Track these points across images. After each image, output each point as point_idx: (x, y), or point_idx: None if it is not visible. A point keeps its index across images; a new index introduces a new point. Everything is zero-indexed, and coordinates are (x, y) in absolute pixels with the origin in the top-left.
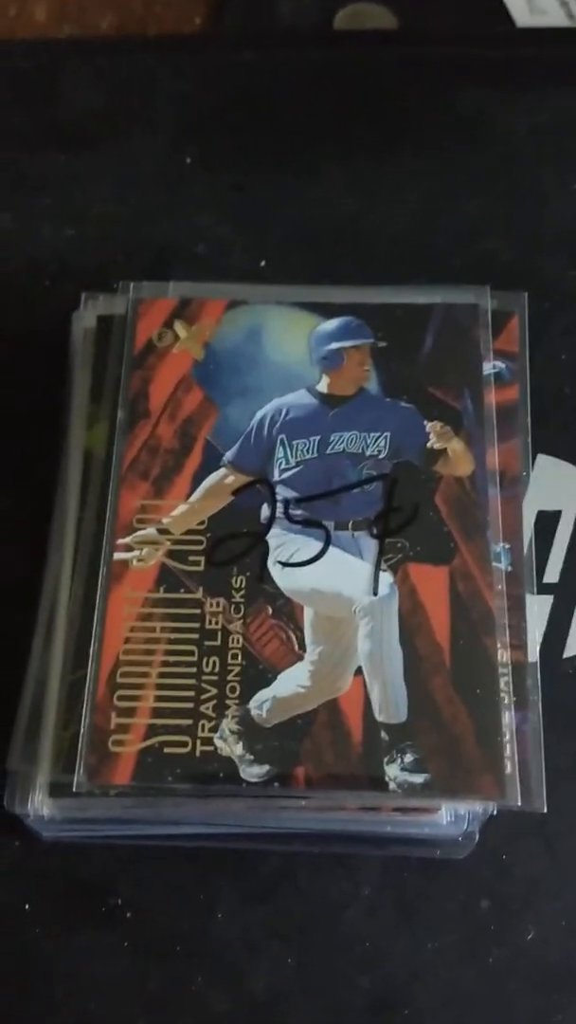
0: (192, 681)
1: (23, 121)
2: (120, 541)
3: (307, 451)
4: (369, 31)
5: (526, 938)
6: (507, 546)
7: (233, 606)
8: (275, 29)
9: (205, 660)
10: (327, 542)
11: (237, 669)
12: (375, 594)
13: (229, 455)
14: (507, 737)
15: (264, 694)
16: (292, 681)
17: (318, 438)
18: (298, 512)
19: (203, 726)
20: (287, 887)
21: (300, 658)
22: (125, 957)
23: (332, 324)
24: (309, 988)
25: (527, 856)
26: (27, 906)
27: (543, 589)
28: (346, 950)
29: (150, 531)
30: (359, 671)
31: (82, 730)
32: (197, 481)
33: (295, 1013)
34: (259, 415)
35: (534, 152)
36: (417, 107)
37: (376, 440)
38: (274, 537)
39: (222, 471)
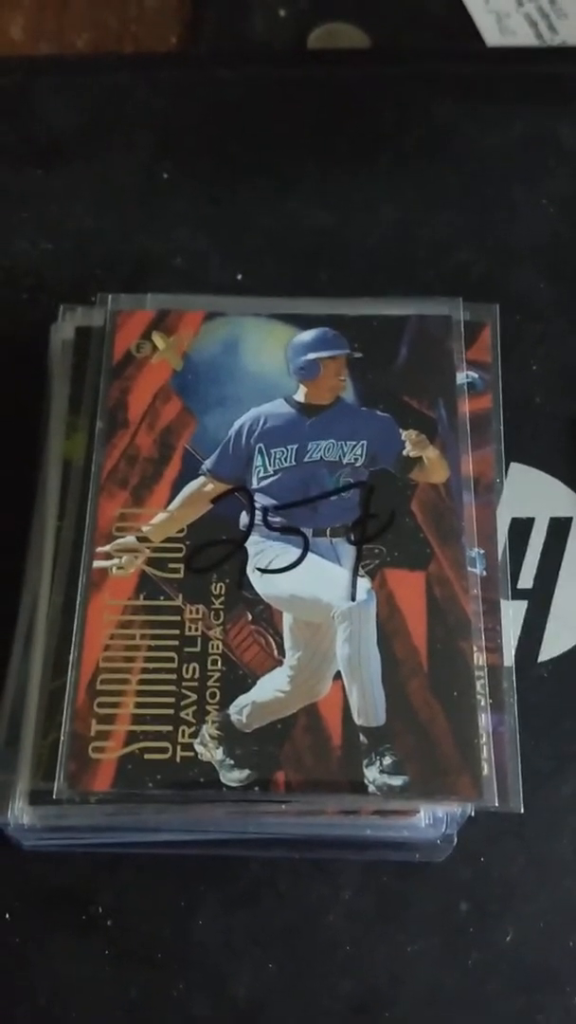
0: (172, 687)
1: (0, 137)
2: (99, 549)
3: (285, 459)
4: (343, 49)
5: (505, 939)
6: (482, 551)
7: (212, 612)
8: (250, 47)
9: (185, 666)
10: (305, 549)
11: (217, 675)
12: (353, 599)
13: (208, 464)
14: (484, 739)
15: (244, 699)
16: (271, 686)
17: (296, 446)
18: (276, 519)
19: (183, 732)
20: (268, 893)
21: (279, 663)
22: (107, 965)
23: (309, 335)
24: (291, 993)
25: (505, 858)
26: (7, 915)
27: (518, 595)
28: (327, 954)
29: (129, 539)
30: (338, 676)
31: (62, 737)
32: (176, 489)
33: (277, 1018)
34: (237, 424)
35: (505, 166)
36: (390, 123)
37: (353, 448)
38: (253, 544)
39: (201, 479)
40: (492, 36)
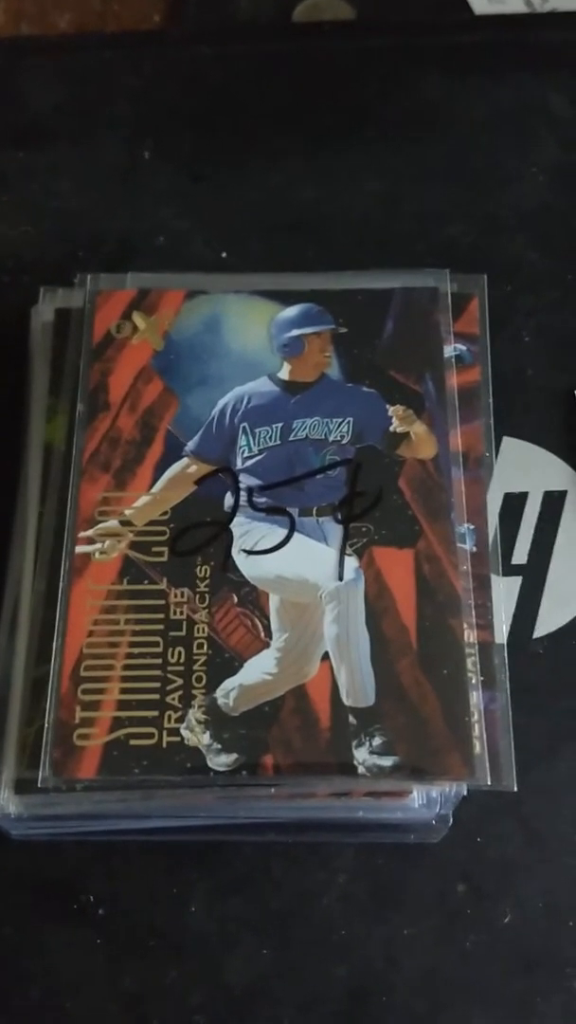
0: (157, 672)
1: None
2: (82, 534)
3: (269, 438)
4: (328, 22)
5: (503, 921)
6: (472, 527)
7: (198, 596)
8: (233, 24)
9: (170, 651)
10: (292, 529)
11: (203, 659)
12: (341, 579)
13: (191, 445)
14: (475, 717)
15: (230, 683)
16: (259, 669)
17: (280, 425)
18: (262, 500)
19: (169, 717)
20: (261, 878)
21: (266, 645)
22: (99, 953)
23: (292, 311)
24: (286, 978)
25: (501, 839)
26: None
27: (511, 571)
28: (322, 939)
29: (112, 523)
30: (326, 656)
31: (46, 725)
32: (159, 472)
33: (272, 1004)
34: (220, 404)
35: (494, 136)
36: (376, 95)
37: (339, 425)
38: (238, 525)
39: (184, 461)
40: (480, 4)
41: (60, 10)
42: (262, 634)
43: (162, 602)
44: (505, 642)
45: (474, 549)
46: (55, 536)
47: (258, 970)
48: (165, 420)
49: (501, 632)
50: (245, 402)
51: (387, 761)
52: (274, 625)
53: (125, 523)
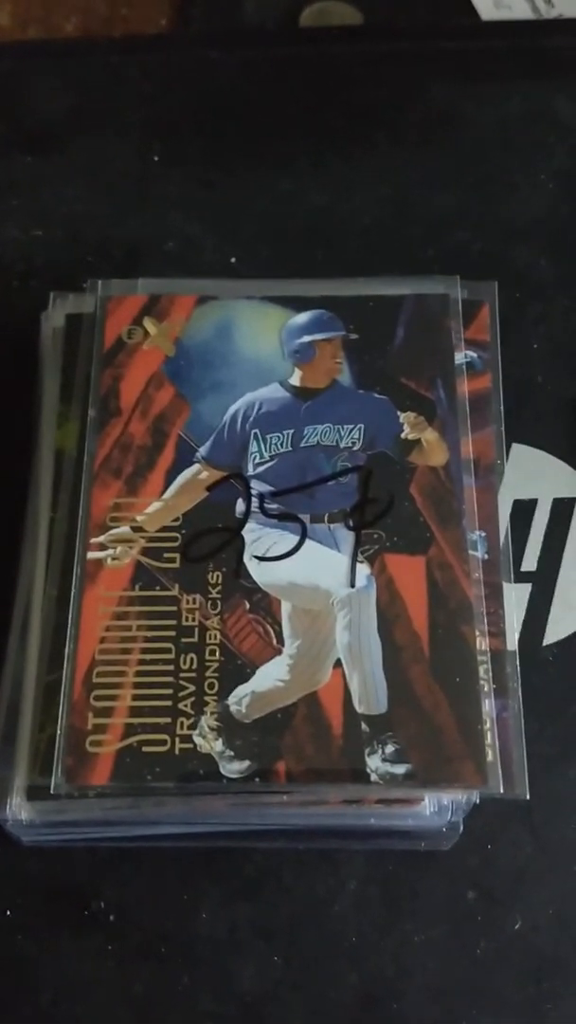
0: (170, 679)
1: None
2: (94, 540)
3: (281, 445)
4: (335, 27)
5: (514, 928)
6: (483, 534)
7: (210, 602)
8: (241, 28)
9: (182, 657)
10: (303, 535)
11: (215, 665)
12: (352, 586)
13: (202, 451)
14: (488, 725)
15: (243, 689)
16: (271, 675)
17: (292, 431)
18: (273, 506)
19: (182, 723)
20: (272, 885)
21: (278, 652)
22: (110, 960)
23: (303, 317)
24: (297, 985)
25: (512, 846)
26: (9, 912)
27: (521, 577)
28: (333, 946)
29: (124, 529)
30: (338, 663)
31: (59, 731)
32: (170, 478)
33: (283, 1011)
34: (232, 410)
35: (502, 142)
36: (385, 101)
37: (350, 432)
38: (250, 532)
39: (196, 467)
40: (487, 10)
41: (67, 14)
42: (274, 641)
43: (174, 608)
44: (516, 649)
45: (485, 556)
46: (67, 542)
47: (269, 976)
48: (177, 426)
49: (512, 639)
50: (256, 408)
51: (399, 769)
52: (286, 632)
53: (137, 529)
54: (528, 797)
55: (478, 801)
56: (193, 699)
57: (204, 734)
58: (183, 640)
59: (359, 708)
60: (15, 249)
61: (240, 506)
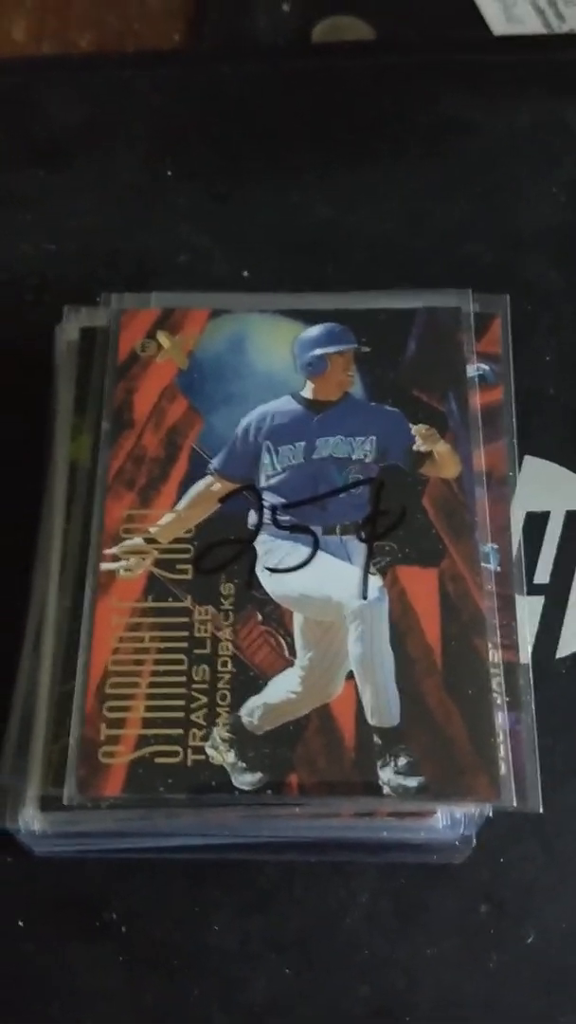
0: (182, 690)
1: (2, 138)
2: (107, 551)
3: (293, 457)
4: (347, 42)
5: (526, 941)
6: (496, 546)
7: (222, 613)
8: (253, 43)
9: (195, 668)
10: (315, 547)
11: (227, 677)
12: (365, 598)
13: (215, 463)
14: (501, 738)
15: (255, 701)
16: (283, 687)
17: (304, 443)
18: (285, 518)
19: (194, 735)
20: (284, 897)
21: (290, 664)
22: (121, 971)
23: (315, 330)
24: (308, 998)
25: (525, 859)
26: (21, 922)
27: (534, 590)
28: (345, 958)
29: (137, 541)
30: (350, 675)
31: (72, 742)
32: (183, 490)
33: (294, 1023)
34: (244, 422)
35: (512, 155)
36: (396, 114)
37: (362, 444)
38: (262, 543)
39: (208, 479)
40: (498, 25)
41: (81, 29)
42: (286, 652)
43: (187, 619)
44: (530, 662)
45: (498, 569)
46: (80, 553)
47: (280, 989)
48: (190, 438)
49: (526, 652)
50: (269, 420)
51: (412, 782)
52: (298, 644)
53: (150, 541)
54: (541, 810)
55: (491, 814)
56: (205, 710)
57: (216, 746)
58: (195, 651)
59: (371, 720)
60: (29, 263)
61: (252, 518)
